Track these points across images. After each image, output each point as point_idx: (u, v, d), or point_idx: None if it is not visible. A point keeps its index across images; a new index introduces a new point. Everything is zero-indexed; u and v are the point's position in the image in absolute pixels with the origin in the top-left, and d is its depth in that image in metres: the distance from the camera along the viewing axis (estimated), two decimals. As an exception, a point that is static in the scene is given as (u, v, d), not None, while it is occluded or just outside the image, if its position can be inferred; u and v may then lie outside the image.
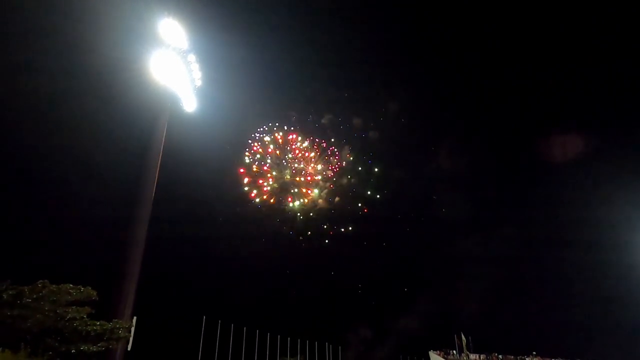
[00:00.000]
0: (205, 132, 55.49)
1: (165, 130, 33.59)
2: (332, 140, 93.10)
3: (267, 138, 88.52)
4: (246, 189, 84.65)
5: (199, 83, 37.89)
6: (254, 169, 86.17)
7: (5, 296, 16.36)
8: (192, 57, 36.11)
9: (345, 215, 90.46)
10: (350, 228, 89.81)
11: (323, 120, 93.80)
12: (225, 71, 61.36)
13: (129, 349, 23.95)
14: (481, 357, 62.04)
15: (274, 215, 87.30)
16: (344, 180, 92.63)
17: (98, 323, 18.48)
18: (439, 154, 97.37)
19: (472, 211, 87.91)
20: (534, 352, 69.03)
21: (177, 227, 57.89)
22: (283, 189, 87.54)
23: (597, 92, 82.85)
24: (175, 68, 34.42)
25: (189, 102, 37.34)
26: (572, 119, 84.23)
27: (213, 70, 44.31)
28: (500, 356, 64.42)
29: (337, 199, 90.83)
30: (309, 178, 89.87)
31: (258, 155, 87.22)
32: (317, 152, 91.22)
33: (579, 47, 78.65)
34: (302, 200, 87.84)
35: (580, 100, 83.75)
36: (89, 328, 17.83)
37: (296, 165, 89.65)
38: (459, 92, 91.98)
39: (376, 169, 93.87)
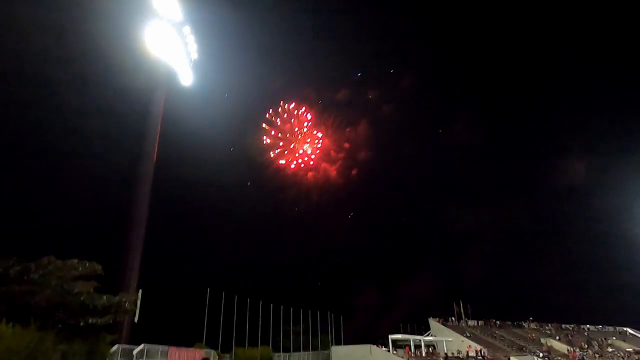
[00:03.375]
0: (204, 107, 54.97)
1: (163, 105, 33.24)
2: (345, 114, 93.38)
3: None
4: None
5: (195, 56, 37.13)
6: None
7: (12, 272, 16.70)
8: (187, 29, 35.23)
9: (355, 187, 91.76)
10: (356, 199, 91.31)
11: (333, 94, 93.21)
12: (222, 44, 60.04)
13: (135, 321, 24.70)
14: (479, 324, 63.77)
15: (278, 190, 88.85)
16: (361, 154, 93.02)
17: (105, 297, 18.88)
18: (448, 128, 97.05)
19: (475, 183, 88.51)
20: (531, 318, 71.12)
21: (179, 201, 58.50)
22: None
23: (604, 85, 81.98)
24: (170, 41, 33.63)
25: (186, 76, 36.72)
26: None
27: (209, 43, 43.35)
28: (497, 322, 66.24)
29: (353, 172, 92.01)
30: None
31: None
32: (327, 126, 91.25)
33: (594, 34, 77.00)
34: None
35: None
36: (95, 302, 18.25)
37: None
38: (470, 74, 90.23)
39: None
